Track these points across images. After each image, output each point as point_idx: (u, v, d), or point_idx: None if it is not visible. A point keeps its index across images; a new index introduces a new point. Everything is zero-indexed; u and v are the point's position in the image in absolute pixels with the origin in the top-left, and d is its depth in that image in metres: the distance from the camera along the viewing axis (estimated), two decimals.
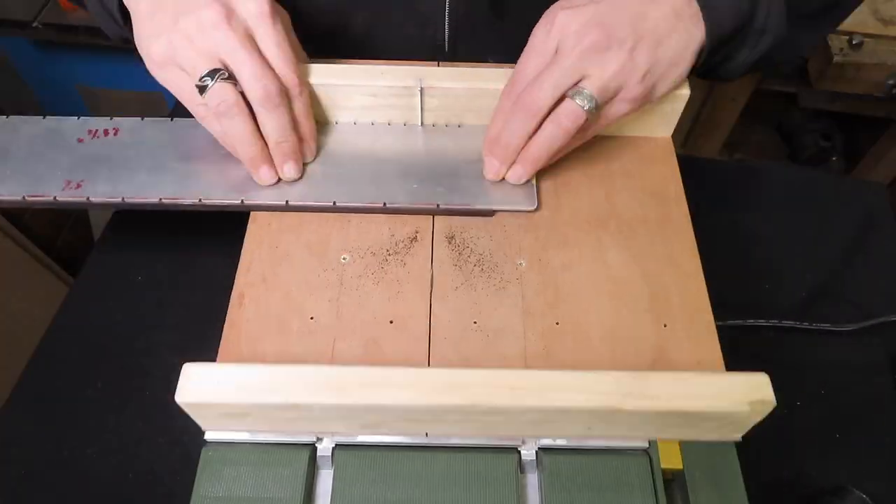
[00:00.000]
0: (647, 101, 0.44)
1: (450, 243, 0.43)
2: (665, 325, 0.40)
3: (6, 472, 0.47)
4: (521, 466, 0.38)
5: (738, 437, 0.38)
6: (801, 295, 0.58)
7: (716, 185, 0.64)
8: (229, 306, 0.40)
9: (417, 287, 0.41)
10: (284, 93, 0.43)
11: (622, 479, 0.37)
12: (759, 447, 0.49)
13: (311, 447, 0.38)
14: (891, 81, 1.03)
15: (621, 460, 0.37)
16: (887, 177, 1.24)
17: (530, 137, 0.43)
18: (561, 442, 0.38)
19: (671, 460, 0.37)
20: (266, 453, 0.37)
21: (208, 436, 0.37)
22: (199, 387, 0.34)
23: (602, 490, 0.36)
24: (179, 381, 0.34)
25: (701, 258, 0.43)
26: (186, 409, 0.35)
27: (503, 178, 0.45)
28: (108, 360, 0.51)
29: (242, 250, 0.43)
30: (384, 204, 0.44)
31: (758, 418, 0.35)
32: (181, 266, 0.56)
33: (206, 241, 0.57)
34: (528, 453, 0.38)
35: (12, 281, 1.06)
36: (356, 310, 0.40)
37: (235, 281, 0.41)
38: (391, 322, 0.40)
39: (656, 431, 0.37)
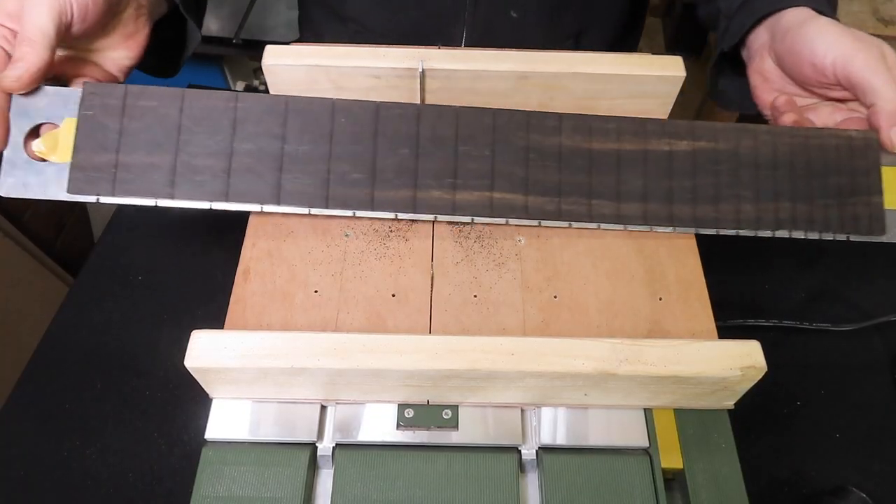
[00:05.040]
0: None
1: (450, 220, 0.44)
2: (660, 299, 0.41)
3: (6, 472, 0.47)
4: (521, 466, 0.38)
5: (730, 404, 0.38)
6: (801, 295, 0.58)
7: None
8: (234, 282, 0.41)
9: (419, 262, 0.42)
10: None
11: (622, 479, 0.37)
12: (759, 447, 0.49)
13: (312, 447, 0.37)
14: None
15: (621, 460, 0.37)
16: None
17: None
18: (561, 442, 0.38)
19: (671, 460, 0.37)
20: (266, 453, 0.37)
21: (208, 435, 0.37)
22: (207, 352, 0.35)
23: (602, 490, 0.36)
24: (188, 347, 0.35)
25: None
26: (195, 374, 0.36)
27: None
28: (108, 360, 0.51)
29: (247, 227, 0.43)
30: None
31: (749, 384, 0.36)
32: (181, 266, 0.56)
33: (206, 241, 0.57)
34: (528, 453, 0.38)
35: (12, 281, 1.06)
36: (359, 284, 0.41)
37: (241, 257, 0.42)
38: (393, 295, 0.40)
39: (650, 399, 0.38)
